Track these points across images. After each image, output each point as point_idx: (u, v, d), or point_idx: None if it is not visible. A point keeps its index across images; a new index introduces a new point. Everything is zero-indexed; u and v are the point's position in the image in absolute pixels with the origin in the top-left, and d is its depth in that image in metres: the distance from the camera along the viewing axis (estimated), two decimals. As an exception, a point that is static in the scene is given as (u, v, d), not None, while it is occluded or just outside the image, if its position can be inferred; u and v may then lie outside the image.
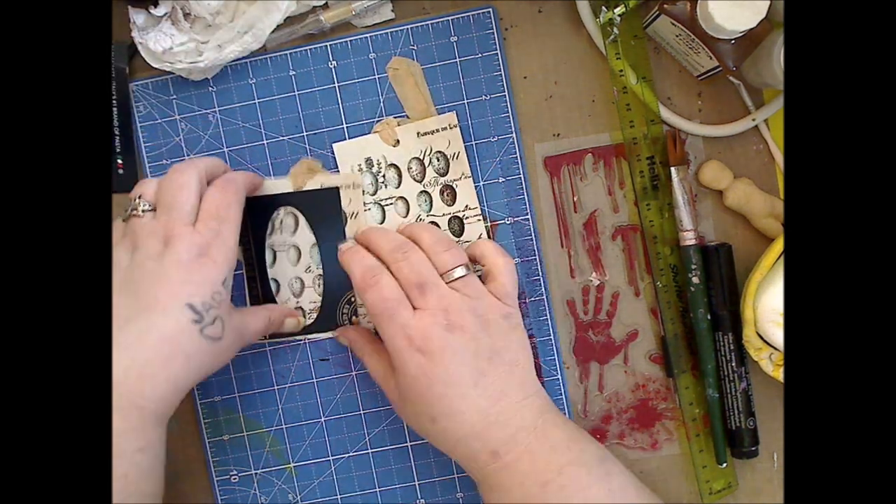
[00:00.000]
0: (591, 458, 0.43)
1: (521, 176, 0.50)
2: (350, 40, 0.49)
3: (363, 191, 0.50)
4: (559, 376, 0.50)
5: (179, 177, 0.43)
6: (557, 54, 0.50)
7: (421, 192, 0.50)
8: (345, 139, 0.50)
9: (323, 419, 0.51)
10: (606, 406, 0.51)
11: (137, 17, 0.48)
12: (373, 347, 0.48)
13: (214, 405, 0.51)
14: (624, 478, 0.43)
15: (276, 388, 0.51)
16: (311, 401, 0.51)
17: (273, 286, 0.50)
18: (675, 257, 0.49)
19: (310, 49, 0.49)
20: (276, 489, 0.51)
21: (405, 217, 0.50)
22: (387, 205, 0.50)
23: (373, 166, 0.50)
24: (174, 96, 0.50)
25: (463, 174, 0.49)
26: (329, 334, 0.50)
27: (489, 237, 0.50)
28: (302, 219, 0.50)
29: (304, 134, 0.50)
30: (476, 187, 0.50)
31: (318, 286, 0.50)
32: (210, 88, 0.50)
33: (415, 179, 0.50)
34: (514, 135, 0.50)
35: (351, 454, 0.51)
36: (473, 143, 0.50)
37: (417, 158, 0.50)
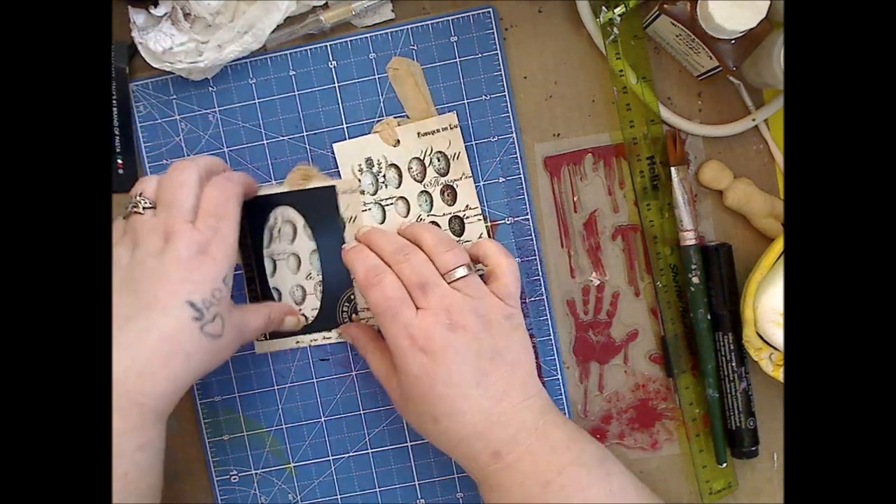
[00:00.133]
0: (592, 458, 0.43)
1: (522, 176, 0.50)
2: (350, 40, 0.49)
3: (363, 191, 0.50)
4: (559, 376, 0.50)
5: (180, 174, 0.43)
6: (557, 54, 0.50)
7: (421, 192, 0.50)
8: (345, 139, 0.50)
9: (323, 419, 0.51)
10: (606, 406, 0.51)
11: (137, 17, 0.48)
12: (375, 345, 0.48)
13: (214, 405, 0.51)
14: (624, 478, 0.43)
15: (276, 388, 0.51)
16: (311, 401, 0.51)
17: (275, 295, 0.50)
18: (675, 257, 0.49)
19: (310, 49, 0.49)
20: (276, 489, 0.51)
21: (406, 217, 0.50)
22: (387, 205, 0.50)
23: (373, 166, 0.50)
24: (174, 96, 0.50)
25: (463, 174, 0.49)
26: (329, 339, 0.50)
27: (489, 237, 0.50)
28: (300, 225, 0.50)
29: (305, 134, 0.50)
30: (476, 187, 0.50)
31: (319, 293, 0.50)
32: (210, 88, 0.50)
33: (415, 179, 0.50)
34: (514, 135, 0.50)
35: (351, 454, 0.51)
36: (474, 143, 0.50)
37: (418, 158, 0.50)
